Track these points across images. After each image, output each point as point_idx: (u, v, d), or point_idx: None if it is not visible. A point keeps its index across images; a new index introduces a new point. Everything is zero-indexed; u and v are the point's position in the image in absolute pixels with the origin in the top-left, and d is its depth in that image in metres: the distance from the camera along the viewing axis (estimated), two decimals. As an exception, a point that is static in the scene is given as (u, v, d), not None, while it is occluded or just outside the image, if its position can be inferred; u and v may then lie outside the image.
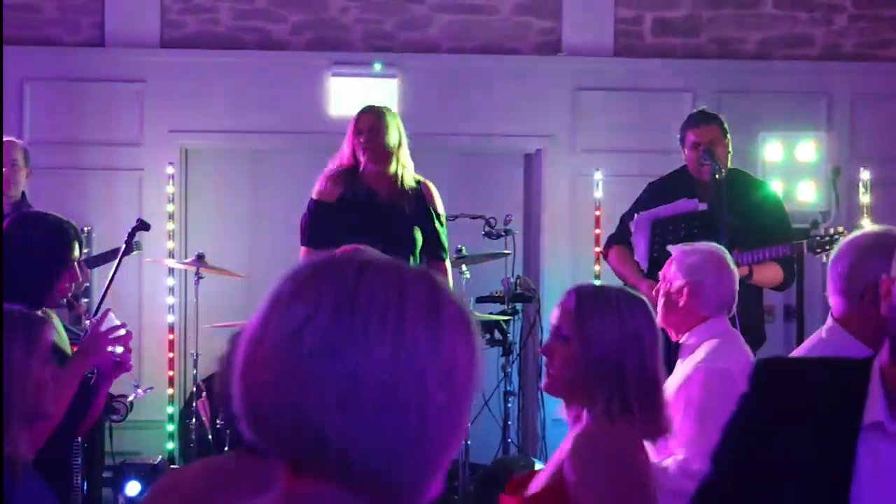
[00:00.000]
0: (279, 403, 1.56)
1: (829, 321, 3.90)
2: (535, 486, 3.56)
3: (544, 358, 3.70)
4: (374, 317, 1.57)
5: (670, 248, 5.23)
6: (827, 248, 6.69)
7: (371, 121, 6.73)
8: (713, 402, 4.40)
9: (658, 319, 5.05)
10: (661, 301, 4.93)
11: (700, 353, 4.79)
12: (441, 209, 6.85)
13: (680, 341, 4.92)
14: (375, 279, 1.61)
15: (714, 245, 5.13)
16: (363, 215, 6.62)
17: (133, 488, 7.69)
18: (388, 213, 6.66)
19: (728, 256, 5.01)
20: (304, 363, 1.55)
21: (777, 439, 2.76)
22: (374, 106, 6.99)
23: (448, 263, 6.88)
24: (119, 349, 4.78)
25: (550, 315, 3.70)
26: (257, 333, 1.61)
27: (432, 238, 6.78)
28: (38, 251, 4.88)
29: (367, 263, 1.64)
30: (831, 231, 6.91)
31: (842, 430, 2.72)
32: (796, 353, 4.11)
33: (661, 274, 5.04)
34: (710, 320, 4.86)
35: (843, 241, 3.92)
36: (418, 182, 6.83)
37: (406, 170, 6.78)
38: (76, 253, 5.00)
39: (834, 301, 3.87)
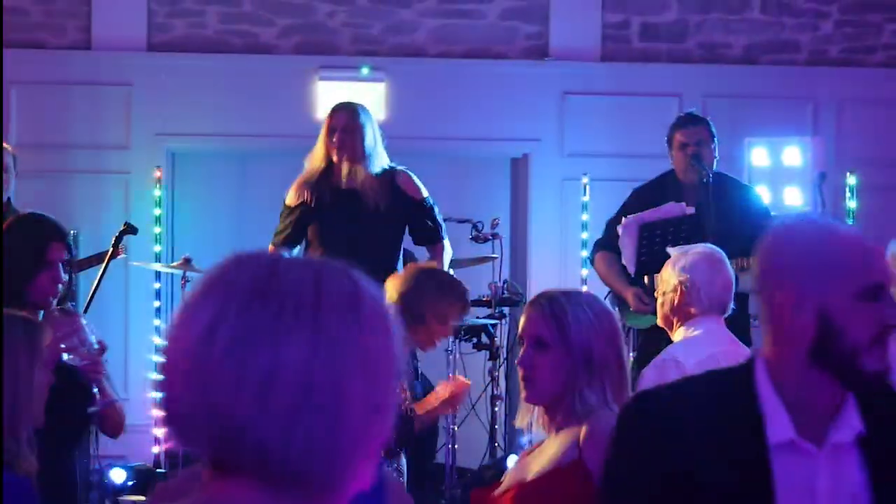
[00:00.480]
0: (195, 403, 1.53)
1: None
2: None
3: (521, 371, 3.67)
4: (288, 307, 1.53)
5: (669, 250, 5.25)
6: None
7: (345, 119, 6.67)
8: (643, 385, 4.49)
9: (658, 320, 5.13)
10: (660, 299, 4.97)
11: (669, 348, 4.88)
12: (422, 193, 6.78)
13: (675, 338, 4.97)
14: (290, 271, 1.58)
15: (712, 247, 5.15)
16: (337, 221, 6.56)
17: (118, 475, 7.71)
18: (365, 214, 6.58)
19: (724, 257, 5.03)
20: (217, 361, 1.52)
21: (675, 479, 2.68)
22: (347, 102, 6.95)
23: (446, 242, 6.85)
24: (65, 356, 4.73)
25: (520, 327, 3.70)
26: (173, 335, 1.58)
27: (419, 226, 6.71)
28: (13, 249, 4.84)
29: (279, 258, 1.61)
30: None
31: (748, 453, 2.67)
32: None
33: (658, 277, 5.09)
34: (699, 318, 4.88)
35: None
36: (392, 174, 6.74)
37: (382, 166, 6.73)
38: (60, 253, 4.94)
39: None
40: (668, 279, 4.95)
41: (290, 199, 6.79)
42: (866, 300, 2.64)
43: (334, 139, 6.64)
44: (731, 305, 5.04)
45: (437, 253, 6.82)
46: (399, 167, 6.87)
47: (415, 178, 6.84)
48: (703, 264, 4.94)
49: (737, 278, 5.18)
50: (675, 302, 4.91)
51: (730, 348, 4.84)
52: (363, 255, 6.33)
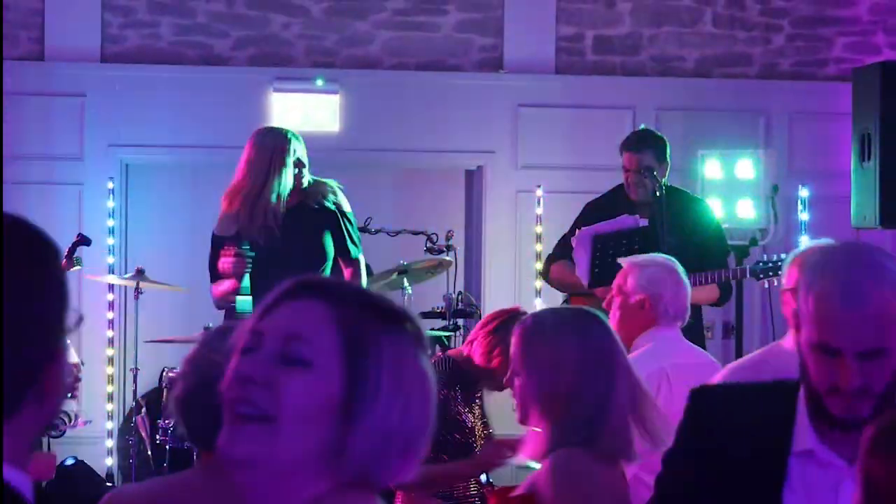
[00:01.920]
0: None
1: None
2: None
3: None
4: None
5: (621, 260, 5.25)
6: (770, 274, 6.77)
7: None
8: None
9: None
10: (616, 313, 4.95)
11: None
12: (347, 207, 6.69)
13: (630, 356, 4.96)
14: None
15: (665, 257, 5.16)
16: (269, 242, 6.49)
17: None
18: (295, 228, 6.51)
19: (680, 268, 5.05)
20: None
21: (712, 466, 2.81)
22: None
23: (361, 259, 6.67)
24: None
25: None
26: None
27: (340, 239, 6.62)
28: None
29: None
30: (774, 258, 6.93)
31: (772, 456, 2.76)
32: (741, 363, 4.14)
33: (615, 285, 5.04)
34: (658, 328, 4.89)
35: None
36: (318, 184, 6.70)
37: (305, 178, 6.62)
38: None
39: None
40: (631, 291, 4.93)
41: (218, 232, 6.80)
42: (818, 353, 2.69)
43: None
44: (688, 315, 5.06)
45: (351, 270, 6.73)
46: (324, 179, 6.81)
47: (339, 190, 6.77)
48: (667, 278, 4.95)
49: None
50: (639, 315, 4.90)
51: (681, 360, 4.85)
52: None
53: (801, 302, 2.73)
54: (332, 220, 6.57)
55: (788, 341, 3.96)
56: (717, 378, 4.13)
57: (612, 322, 4.97)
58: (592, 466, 3.40)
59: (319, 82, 9.35)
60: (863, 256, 2.81)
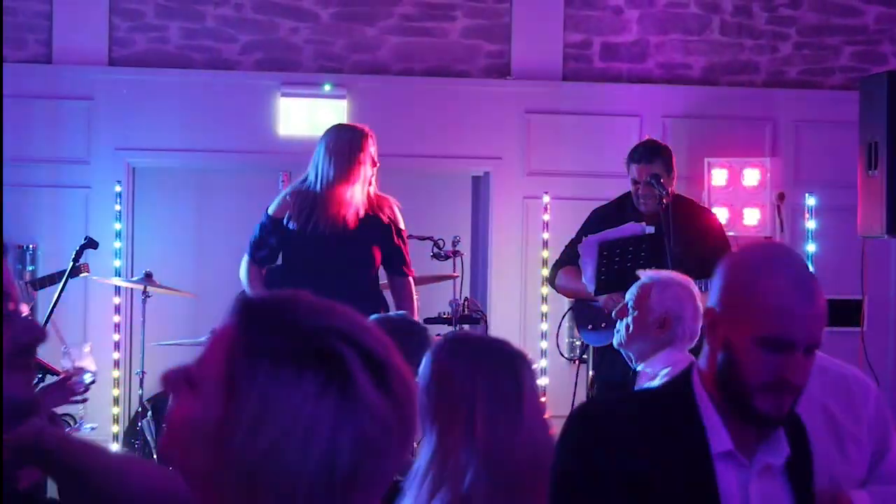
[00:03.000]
0: None
1: None
2: None
3: None
4: None
5: (640, 272, 5.21)
6: None
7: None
8: None
9: (617, 341, 5.05)
10: (633, 326, 4.93)
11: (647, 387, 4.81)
12: (402, 224, 6.75)
13: (638, 368, 4.93)
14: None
15: (682, 276, 5.13)
16: (320, 238, 6.51)
17: None
18: (347, 234, 6.53)
19: (696, 288, 5.04)
20: None
21: (620, 476, 2.76)
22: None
23: (411, 278, 6.78)
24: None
25: None
26: None
27: (393, 253, 6.67)
28: None
29: None
30: None
31: (696, 462, 2.76)
32: None
33: (634, 300, 4.99)
34: (672, 350, 4.88)
35: None
36: (379, 198, 6.74)
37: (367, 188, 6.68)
38: None
39: None
40: (653, 308, 4.91)
41: (273, 213, 6.74)
42: (767, 348, 2.71)
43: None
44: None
45: (403, 286, 6.76)
46: (383, 194, 6.85)
47: (396, 207, 6.80)
48: (689, 299, 4.93)
49: None
50: (659, 333, 4.88)
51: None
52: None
53: (740, 298, 2.77)
54: (387, 234, 6.61)
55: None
56: None
57: (623, 334, 4.96)
58: None
59: (327, 87, 9.36)
60: (795, 255, 2.90)
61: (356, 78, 9.51)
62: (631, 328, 4.93)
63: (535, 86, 9.62)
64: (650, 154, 7.09)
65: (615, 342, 5.11)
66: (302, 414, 1.74)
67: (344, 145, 6.65)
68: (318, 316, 1.81)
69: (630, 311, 4.96)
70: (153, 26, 9.48)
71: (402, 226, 6.76)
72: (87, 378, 5.06)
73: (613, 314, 5.12)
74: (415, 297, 6.83)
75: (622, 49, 9.88)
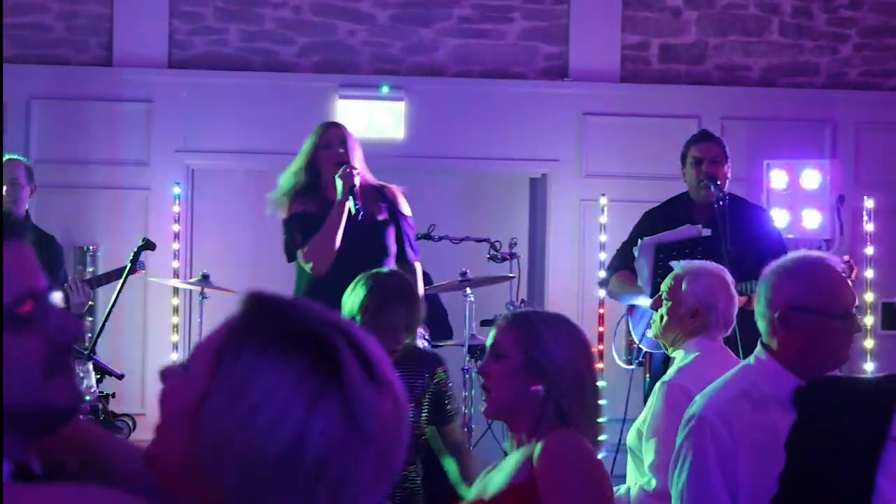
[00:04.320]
0: None
1: (759, 345, 3.90)
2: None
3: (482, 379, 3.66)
4: None
5: (673, 263, 5.24)
6: None
7: (341, 134, 6.66)
8: (670, 418, 4.43)
9: (653, 332, 5.10)
10: (666, 316, 4.96)
11: (672, 370, 4.87)
12: (407, 210, 6.68)
13: (671, 355, 4.97)
14: None
15: (718, 266, 5.14)
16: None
17: None
18: (362, 223, 6.52)
19: (730, 278, 5.04)
20: None
21: (823, 455, 2.84)
22: (332, 122, 6.96)
23: (418, 265, 6.68)
24: None
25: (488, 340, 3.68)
26: None
27: (401, 240, 6.64)
28: None
29: None
30: None
31: (869, 442, 2.80)
32: (726, 377, 4.08)
33: (667, 291, 5.03)
34: (706, 337, 4.89)
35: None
36: (381, 186, 6.72)
37: (369, 177, 6.64)
38: None
39: (759, 326, 3.88)
40: (686, 299, 4.93)
41: (294, 212, 6.72)
42: None
43: (334, 152, 6.59)
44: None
45: (412, 272, 6.69)
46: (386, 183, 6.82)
47: (400, 194, 6.76)
48: (721, 289, 4.94)
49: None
50: (691, 323, 4.90)
51: (704, 368, 4.82)
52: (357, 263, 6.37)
53: None
54: (392, 222, 6.59)
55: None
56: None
57: (658, 324, 4.98)
58: (588, 451, 3.47)
59: (384, 89, 9.38)
60: None
61: (414, 80, 9.52)
62: (665, 318, 4.96)
63: (592, 87, 9.60)
64: (710, 135, 7.13)
65: (651, 333, 5.14)
66: (277, 393, 1.74)
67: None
68: (319, 314, 1.82)
69: (664, 301, 4.98)
70: (212, 29, 9.54)
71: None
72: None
73: (650, 305, 5.14)
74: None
75: (680, 50, 9.84)
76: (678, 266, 5.14)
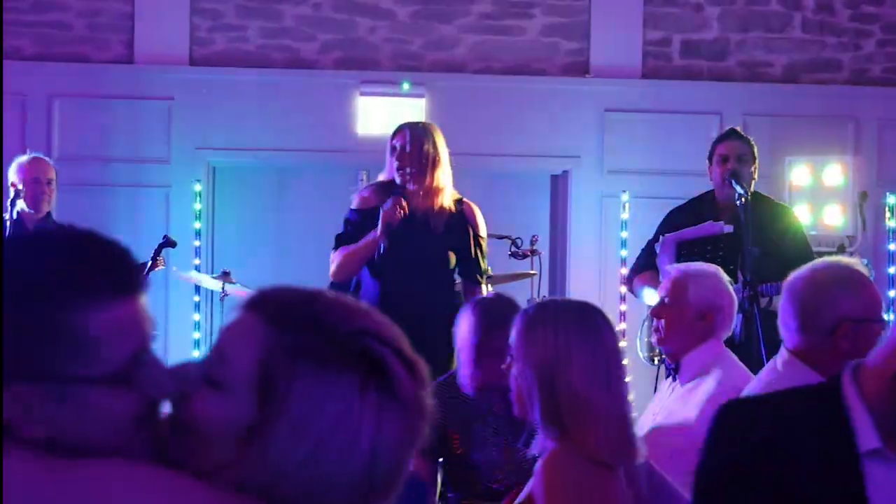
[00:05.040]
0: None
1: (785, 354, 3.86)
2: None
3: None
4: None
5: (668, 268, 5.17)
6: None
7: (403, 139, 6.53)
8: None
9: (655, 339, 5.00)
10: (671, 323, 4.88)
11: (711, 383, 4.73)
12: (482, 231, 6.60)
13: (676, 362, 4.88)
14: None
15: (709, 265, 5.08)
16: (395, 230, 6.44)
17: None
18: (420, 231, 6.47)
19: (726, 276, 5.00)
20: None
21: (769, 483, 2.74)
22: (408, 123, 6.71)
23: (483, 287, 6.57)
24: None
25: None
26: None
27: (467, 259, 6.58)
28: None
29: None
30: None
31: (843, 461, 2.72)
32: (753, 386, 4.04)
33: (668, 295, 4.95)
34: (712, 342, 4.84)
35: (800, 272, 3.90)
36: (459, 201, 6.66)
37: (443, 188, 6.53)
38: None
39: (792, 334, 3.83)
40: (694, 302, 4.86)
41: (354, 205, 6.65)
42: None
43: (394, 157, 6.48)
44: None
45: (473, 293, 6.59)
46: (467, 199, 6.72)
47: (479, 213, 6.68)
48: (725, 290, 4.90)
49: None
50: (699, 327, 4.83)
51: (734, 372, 4.78)
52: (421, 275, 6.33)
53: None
54: (465, 236, 6.52)
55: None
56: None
57: (661, 331, 4.90)
58: (585, 468, 3.32)
59: (405, 86, 9.37)
60: None
61: (434, 77, 9.50)
62: (669, 324, 4.87)
63: (613, 84, 9.57)
64: (738, 133, 7.07)
65: (653, 340, 5.06)
66: (345, 420, 1.74)
67: None
68: (348, 316, 1.81)
69: (666, 307, 4.91)
70: (233, 26, 9.54)
71: None
72: None
73: (650, 313, 5.07)
74: None
75: (702, 46, 9.80)
76: (674, 269, 5.06)
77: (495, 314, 4.95)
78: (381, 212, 6.31)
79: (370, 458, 1.75)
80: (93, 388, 1.74)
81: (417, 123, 6.78)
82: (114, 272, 1.82)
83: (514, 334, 3.47)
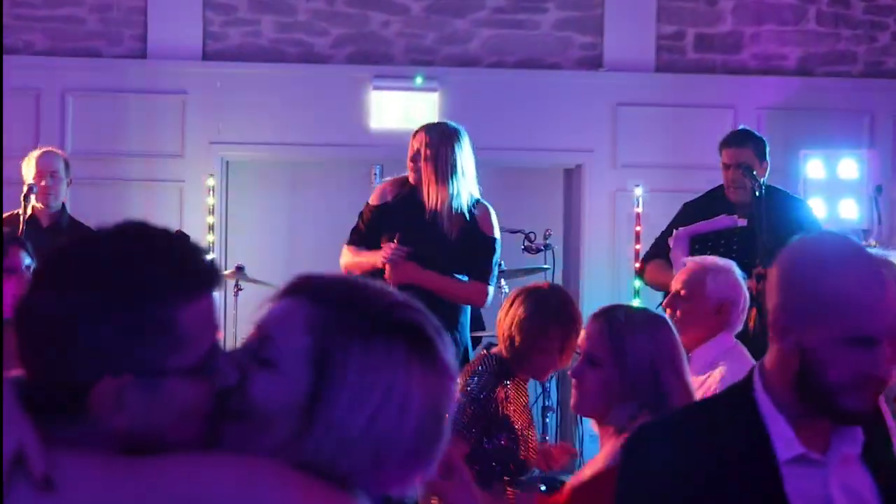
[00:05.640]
0: None
1: None
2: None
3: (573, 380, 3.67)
4: None
5: (685, 260, 5.18)
6: None
7: (418, 142, 6.50)
8: None
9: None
10: (683, 315, 4.88)
11: (717, 377, 4.74)
12: (495, 233, 6.53)
13: (687, 354, 4.88)
14: None
15: (724, 260, 5.08)
16: (407, 228, 6.43)
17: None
18: (432, 235, 6.44)
19: (736, 268, 5.01)
20: None
21: (683, 494, 2.70)
22: (428, 125, 6.66)
23: (490, 289, 6.47)
24: None
25: (580, 339, 3.70)
26: None
27: (473, 261, 6.55)
28: None
29: None
30: None
31: (762, 471, 2.67)
32: None
33: (684, 287, 4.95)
34: (724, 336, 4.84)
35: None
36: (474, 204, 6.59)
37: (456, 194, 6.47)
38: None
39: None
40: (710, 296, 4.86)
41: (371, 201, 6.65)
42: (852, 346, 2.61)
43: (410, 160, 6.47)
44: None
45: (477, 291, 6.55)
46: (482, 201, 6.68)
47: (493, 214, 6.63)
48: (740, 283, 4.90)
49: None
50: (714, 320, 4.83)
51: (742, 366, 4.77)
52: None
53: (813, 300, 2.64)
54: (478, 238, 6.49)
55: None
56: None
57: (674, 323, 4.89)
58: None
59: (419, 80, 9.36)
60: (855, 244, 2.80)
61: (448, 71, 9.49)
62: (684, 317, 4.87)
63: (627, 78, 9.55)
64: (741, 139, 7.01)
65: None
66: (398, 382, 1.89)
67: None
68: (380, 293, 1.97)
69: (682, 299, 4.89)
70: (246, 20, 9.53)
71: None
72: None
73: (662, 304, 5.07)
74: None
75: (716, 40, 9.78)
76: (692, 262, 5.06)
77: (552, 308, 4.99)
78: (383, 246, 6.34)
79: (420, 420, 1.90)
80: (182, 380, 1.86)
81: (439, 125, 6.71)
82: (200, 268, 1.94)
83: (602, 338, 3.60)
